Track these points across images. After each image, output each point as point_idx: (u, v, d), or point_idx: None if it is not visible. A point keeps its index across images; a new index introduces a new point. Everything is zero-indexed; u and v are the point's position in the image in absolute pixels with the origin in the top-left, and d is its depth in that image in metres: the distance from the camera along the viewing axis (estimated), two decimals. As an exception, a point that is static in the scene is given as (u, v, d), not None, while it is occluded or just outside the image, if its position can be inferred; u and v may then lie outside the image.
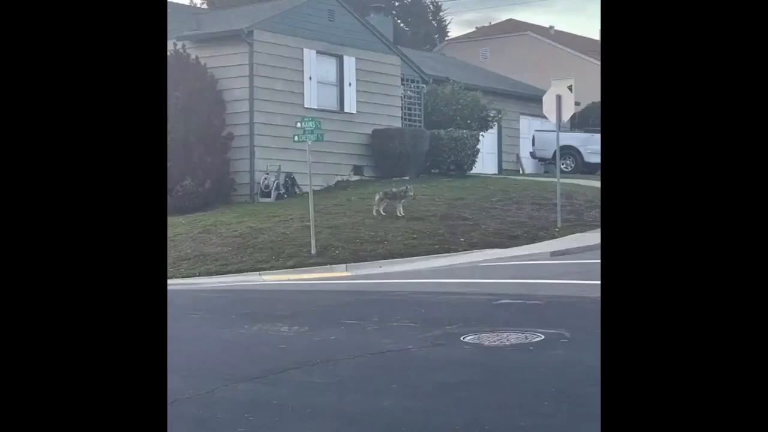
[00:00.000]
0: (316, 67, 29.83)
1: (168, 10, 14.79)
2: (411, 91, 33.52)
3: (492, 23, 56.44)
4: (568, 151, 34.98)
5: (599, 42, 9.19)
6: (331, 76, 30.46)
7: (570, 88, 23.14)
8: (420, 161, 31.06)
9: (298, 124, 21.57)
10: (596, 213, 23.50)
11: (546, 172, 37.83)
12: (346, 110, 30.54)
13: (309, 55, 29.64)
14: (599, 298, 4.43)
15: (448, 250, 20.61)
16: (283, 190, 28.20)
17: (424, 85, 33.92)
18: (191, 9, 41.35)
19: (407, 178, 29.58)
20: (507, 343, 9.24)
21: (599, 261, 6.10)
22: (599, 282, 4.58)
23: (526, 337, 9.51)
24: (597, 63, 44.43)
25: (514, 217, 23.47)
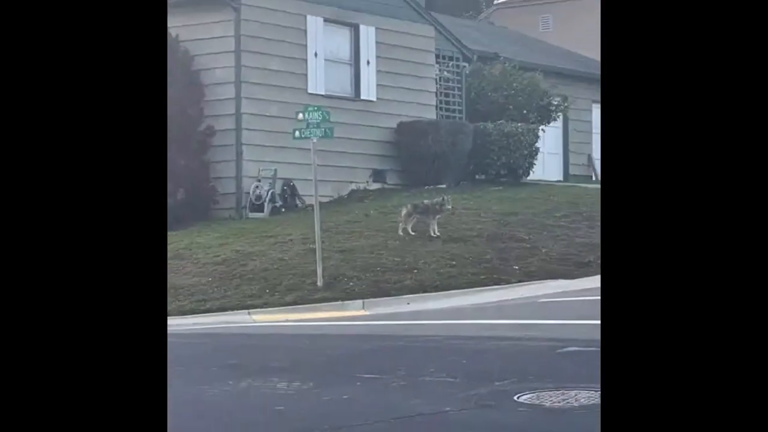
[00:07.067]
0: (324, 40, 25.53)
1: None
2: (449, 71, 28.87)
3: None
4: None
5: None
6: (344, 51, 26.19)
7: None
8: (461, 164, 26.48)
9: (300, 116, 18.75)
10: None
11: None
12: (362, 97, 26.17)
13: (314, 24, 25.25)
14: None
15: (497, 282, 18.06)
16: (279, 203, 24.46)
17: (466, 64, 29.22)
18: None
19: (444, 186, 25.21)
20: (575, 404, 8.33)
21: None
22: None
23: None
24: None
25: (584, 238, 20.28)
